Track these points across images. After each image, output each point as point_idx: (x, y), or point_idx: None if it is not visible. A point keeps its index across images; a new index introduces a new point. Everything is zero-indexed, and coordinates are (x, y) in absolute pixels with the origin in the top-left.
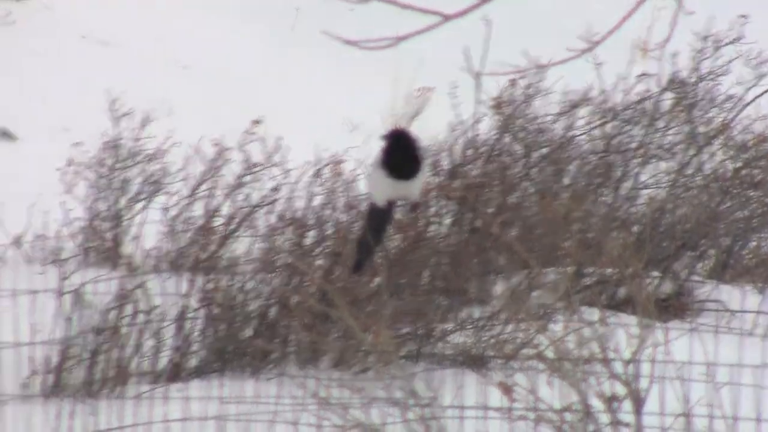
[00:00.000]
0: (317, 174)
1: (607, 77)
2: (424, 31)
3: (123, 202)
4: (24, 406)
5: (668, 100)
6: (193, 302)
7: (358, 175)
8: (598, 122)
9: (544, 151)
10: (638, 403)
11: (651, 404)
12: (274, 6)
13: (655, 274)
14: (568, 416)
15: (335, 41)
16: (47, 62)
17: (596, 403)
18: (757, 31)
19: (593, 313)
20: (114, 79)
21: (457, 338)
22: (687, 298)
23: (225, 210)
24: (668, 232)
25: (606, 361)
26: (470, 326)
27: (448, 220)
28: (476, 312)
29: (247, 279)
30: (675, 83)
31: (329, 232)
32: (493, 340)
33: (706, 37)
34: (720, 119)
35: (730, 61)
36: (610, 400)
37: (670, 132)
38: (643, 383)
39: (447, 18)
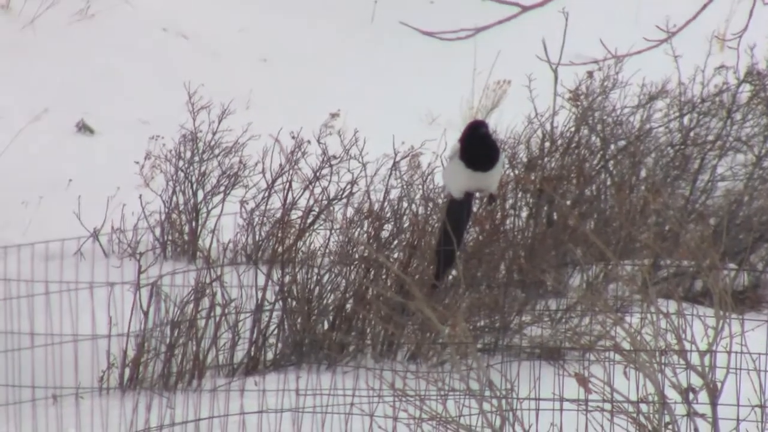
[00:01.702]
0: (395, 166)
1: (684, 69)
2: (502, 21)
3: (201, 195)
4: (101, 399)
5: (746, 92)
6: (270, 295)
7: (436, 167)
8: (676, 114)
9: (622, 143)
10: (714, 394)
11: (727, 396)
12: None
13: (732, 266)
14: (644, 407)
15: (414, 32)
16: (126, 55)
17: (672, 395)
18: None
19: (670, 305)
20: (193, 72)
21: (534, 330)
22: (764, 290)
23: (302, 203)
24: (745, 224)
25: (682, 353)
26: (547, 318)
27: (525, 213)
28: (553, 304)
29: (324, 272)
30: (753, 75)
31: (406, 224)
32: (569, 333)
33: None
34: None
35: None
36: (686, 392)
37: (748, 124)
38: (720, 375)
39: (525, 9)
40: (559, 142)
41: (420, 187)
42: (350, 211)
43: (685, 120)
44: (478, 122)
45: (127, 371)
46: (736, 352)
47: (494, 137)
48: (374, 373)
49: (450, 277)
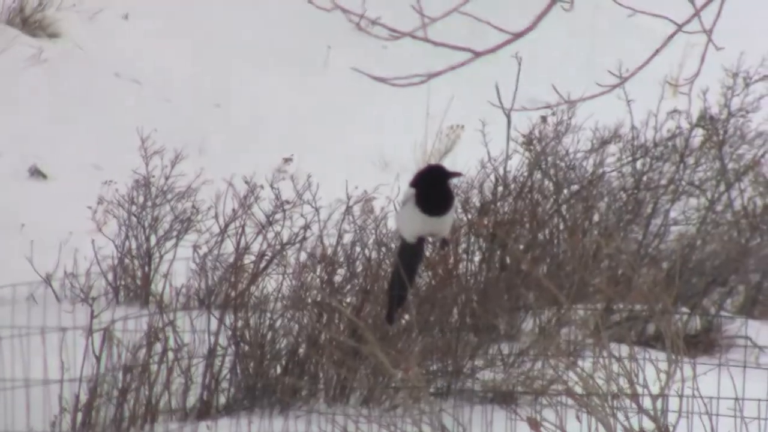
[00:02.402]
0: (348, 211)
1: (637, 114)
2: (454, 67)
3: (153, 240)
4: None
5: (698, 136)
6: (223, 340)
7: (389, 212)
8: (629, 159)
9: (575, 187)
10: None
11: None
12: (305, 44)
13: (685, 310)
14: None
15: (366, 78)
16: (79, 100)
17: None
18: None
19: (622, 349)
20: (145, 117)
21: (487, 374)
22: (716, 334)
23: (255, 248)
24: (698, 268)
25: (634, 397)
26: (499, 362)
27: (478, 257)
28: (505, 348)
29: (277, 316)
30: (705, 120)
31: (359, 269)
32: (522, 377)
33: (736, 74)
34: (750, 155)
35: (760, 98)
36: None
37: (700, 168)
38: (672, 418)
39: (477, 54)
40: (513, 186)
41: (373, 231)
42: (303, 256)
43: (638, 164)
44: (434, 167)
45: (80, 416)
46: (688, 396)
47: (449, 181)
48: (327, 418)
49: (402, 320)
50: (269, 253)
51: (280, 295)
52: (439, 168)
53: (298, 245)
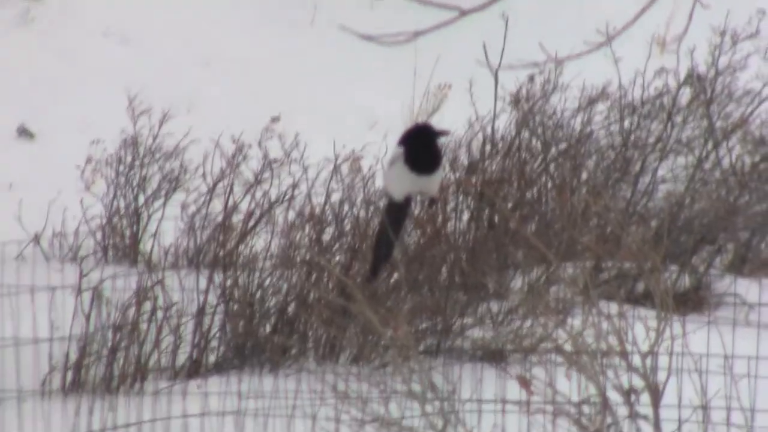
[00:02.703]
0: (336, 170)
1: (625, 72)
2: (441, 26)
3: (142, 199)
4: (43, 402)
5: (686, 95)
6: (212, 299)
7: (377, 170)
8: (616, 117)
9: (563, 146)
10: (656, 395)
11: (669, 397)
12: (293, 2)
13: (674, 268)
14: (586, 409)
15: (354, 36)
16: (66, 60)
17: (614, 396)
18: None
19: (612, 307)
20: (133, 75)
21: (476, 333)
22: (705, 292)
23: (244, 206)
24: (686, 227)
25: (624, 354)
26: (489, 321)
27: (466, 216)
28: (495, 307)
29: (265, 275)
30: (693, 78)
31: (348, 228)
32: (511, 335)
33: (724, 32)
34: (738, 114)
35: (747, 56)
36: (628, 393)
37: (688, 127)
38: (661, 376)
39: (464, 13)
40: (500, 145)
41: (361, 190)
42: (292, 215)
43: (626, 123)
44: (422, 125)
45: (69, 375)
46: (678, 354)
47: (437, 139)
48: (316, 376)
49: (386, 274)
50: (257, 212)
51: (268, 254)
52: (427, 127)
53: (286, 204)
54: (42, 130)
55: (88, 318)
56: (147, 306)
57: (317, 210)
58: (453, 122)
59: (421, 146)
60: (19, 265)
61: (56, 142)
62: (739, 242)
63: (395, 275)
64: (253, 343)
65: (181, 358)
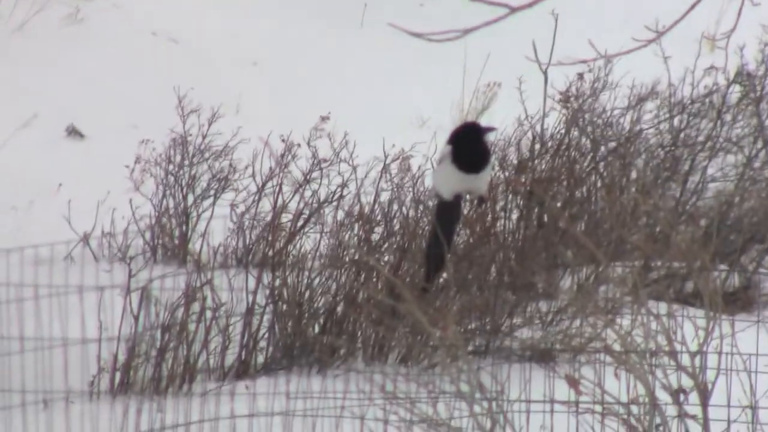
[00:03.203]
0: (385, 169)
1: (674, 70)
2: (490, 23)
3: (191, 198)
4: (91, 403)
5: (736, 93)
6: (261, 299)
7: (426, 170)
8: (666, 116)
9: (612, 145)
10: (705, 395)
11: (718, 396)
12: (341, 1)
13: (723, 267)
14: (634, 409)
15: (403, 35)
16: (116, 60)
17: (663, 396)
18: None
19: (661, 307)
20: (182, 76)
21: (525, 333)
22: (754, 291)
23: (293, 206)
24: (736, 226)
25: (673, 354)
26: (538, 321)
27: (515, 215)
28: (544, 306)
29: (314, 275)
30: (742, 76)
31: (397, 227)
32: (560, 335)
33: None
34: None
35: None
36: (677, 393)
37: (738, 125)
38: (710, 376)
39: (513, 10)
40: (550, 144)
41: (410, 189)
42: (341, 214)
43: (675, 121)
44: (470, 124)
45: (118, 376)
46: (727, 353)
47: (485, 138)
48: (365, 376)
49: (440, 279)
50: (306, 212)
51: (317, 254)
52: (475, 125)
53: (335, 204)
54: (91, 130)
55: (136, 318)
56: (196, 306)
57: (366, 209)
58: (502, 120)
59: (468, 145)
60: (68, 265)
61: (105, 142)
62: None
63: (444, 275)
64: (302, 343)
65: (230, 358)
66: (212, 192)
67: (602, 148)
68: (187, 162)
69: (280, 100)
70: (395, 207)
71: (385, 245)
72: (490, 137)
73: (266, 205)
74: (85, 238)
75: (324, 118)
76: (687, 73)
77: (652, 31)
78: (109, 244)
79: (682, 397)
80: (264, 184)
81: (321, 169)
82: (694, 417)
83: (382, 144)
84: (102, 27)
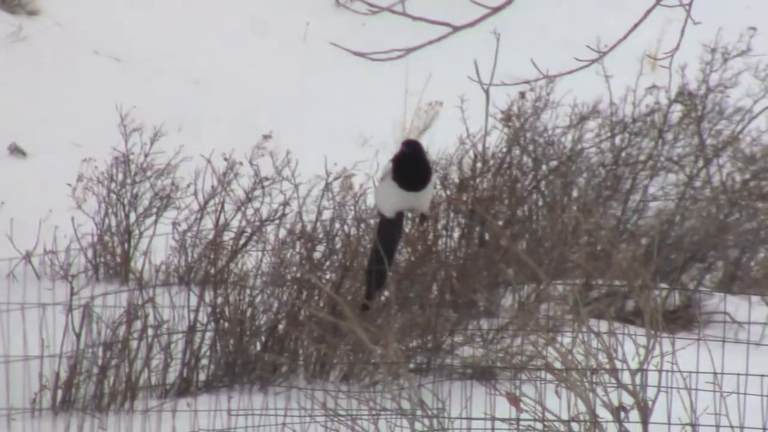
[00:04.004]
0: (327, 188)
1: (616, 89)
2: (433, 41)
3: (133, 217)
4: (33, 420)
5: (677, 112)
6: (203, 316)
7: (368, 188)
8: (607, 135)
9: (553, 163)
10: (645, 413)
11: (658, 414)
12: (284, 20)
13: (664, 285)
14: (575, 426)
15: (346, 54)
16: (59, 78)
17: (604, 413)
18: (766, 43)
19: (602, 325)
20: (125, 94)
21: (466, 350)
22: (695, 310)
23: (235, 224)
24: (677, 244)
25: (613, 372)
26: (479, 338)
27: (457, 233)
28: (485, 324)
29: (256, 293)
30: (684, 95)
31: (339, 245)
32: (501, 352)
33: (715, 49)
34: (728, 131)
35: (738, 73)
36: (618, 410)
37: (679, 144)
38: (651, 393)
39: (456, 29)
40: (491, 162)
41: (352, 207)
42: (283, 233)
43: (617, 140)
44: (411, 141)
45: (60, 393)
46: (667, 371)
47: (426, 157)
48: (306, 394)
49: (382, 297)
50: (248, 230)
51: (259, 272)
52: (416, 143)
53: (277, 222)
54: (34, 148)
55: (78, 336)
56: (137, 324)
57: (308, 228)
58: (444, 139)
59: (409, 163)
60: (10, 283)
61: (48, 160)
62: (728, 260)
63: (386, 293)
64: (244, 360)
65: (172, 376)
66: (154, 210)
67: (544, 167)
68: (129, 180)
69: (223, 118)
70: (337, 225)
71: (327, 263)
72: (432, 156)
73: (208, 223)
74: (27, 256)
75: (266, 137)
76: (629, 92)
77: (594, 50)
78: (51, 262)
79: (622, 414)
80: (206, 203)
81: (263, 187)
82: None
83: (324, 162)
84: (45, 45)
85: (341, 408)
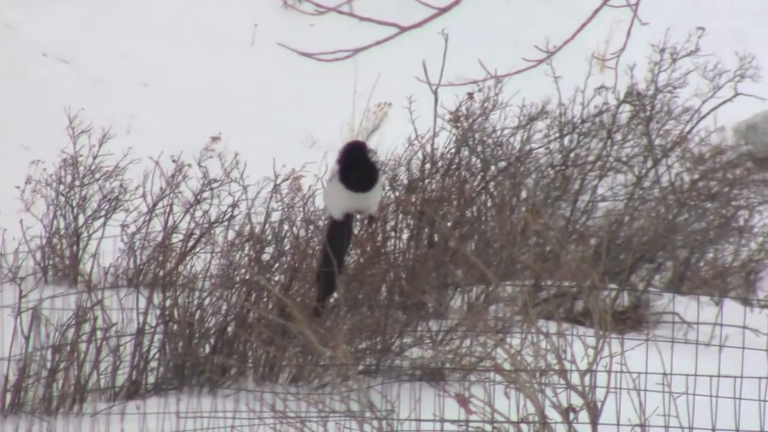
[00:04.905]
0: (275, 189)
1: (564, 90)
2: (380, 42)
3: (82, 219)
4: None
5: (626, 112)
6: (152, 319)
7: (317, 190)
8: (556, 135)
9: (502, 164)
10: (594, 413)
11: (607, 415)
12: (232, 21)
13: (613, 286)
14: (524, 428)
15: (294, 55)
16: (7, 80)
17: (553, 415)
18: (714, 43)
19: (551, 326)
20: (73, 96)
21: (415, 352)
22: (644, 310)
23: (183, 226)
24: (626, 245)
25: (562, 373)
26: (428, 340)
27: (406, 235)
28: (434, 326)
29: (205, 295)
30: (632, 96)
31: (287, 247)
32: (450, 354)
33: (663, 50)
34: (677, 131)
35: (687, 73)
36: (567, 411)
37: (628, 144)
38: (600, 394)
39: (403, 29)
40: (440, 163)
41: (301, 209)
42: (231, 234)
43: (566, 141)
44: (356, 143)
45: (9, 396)
46: (616, 372)
47: (373, 158)
48: (255, 396)
49: (331, 299)
50: (197, 232)
51: (208, 274)
52: (362, 144)
53: (226, 224)
54: None
55: (27, 339)
56: (86, 327)
57: (257, 230)
58: (393, 140)
59: (356, 164)
60: None
61: None
62: (677, 260)
63: (335, 295)
64: (193, 363)
65: (121, 378)
66: (103, 212)
67: (492, 168)
68: (77, 182)
69: (171, 120)
70: (286, 227)
71: (276, 265)
72: (380, 157)
73: (157, 225)
74: None
75: (215, 139)
76: (577, 93)
77: (543, 51)
78: None
79: (571, 415)
80: (155, 205)
81: (212, 189)
82: None
83: (273, 164)
84: None
85: (290, 410)
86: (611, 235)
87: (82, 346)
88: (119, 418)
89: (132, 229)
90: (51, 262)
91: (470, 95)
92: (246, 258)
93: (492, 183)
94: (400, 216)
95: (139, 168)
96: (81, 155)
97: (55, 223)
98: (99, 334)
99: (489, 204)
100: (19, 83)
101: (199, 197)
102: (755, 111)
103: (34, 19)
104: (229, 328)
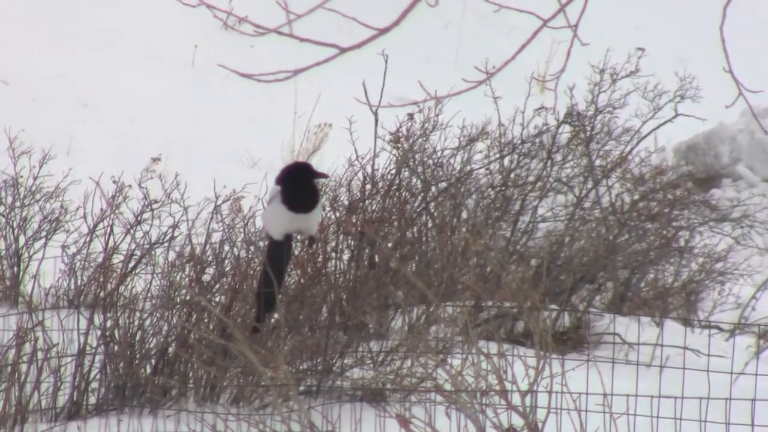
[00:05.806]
0: (216, 210)
1: (504, 111)
2: (320, 63)
3: (22, 240)
4: None
5: (566, 133)
6: (93, 340)
7: (257, 210)
8: (496, 156)
9: (443, 185)
10: None
11: None
12: (173, 42)
13: (553, 306)
14: None
15: (234, 76)
16: None
17: None
18: (654, 64)
19: (491, 346)
20: (12, 117)
21: (356, 373)
22: (585, 331)
23: (124, 247)
24: (566, 265)
25: (503, 393)
26: (369, 361)
27: (346, 255)
28: (375, 346)
29: (146, 316)
30: (572, 116)
31: (228, 268)
32: (391, 374)
33: (603, 70)
34: (617, 152)
35: (627, 94)
36: None
37: (568, 165)
38: (541, 414)
39: (343, 50)
40: (380, 184)
41: (241, 230)
42: (172, 255)
43: (506, 161)
44: (300, 164)
45: None
46: (557, 392)
47: (313, 177)
48: (196, 417)
49: (272, 319)
50: (138, 253)
51: (149, 295)
52: (303, 165)
53: (166, 245)
54: None
55: None
56: (27, 347)
57: (198, 250)
58: (334, 161)
59: (297, 185)
60: None
61: None
62: (618, 281)
63: (275, 315)
64: (134, 384)
65: (62, 399)
66: (44, 233)
67: (433, 189)
68: (18, 203)
69: (111, 141)
70: (226, 248)
71: (217, 286)
72: (322, 180)
73: (98, 246)
74: None
75: (155, 159)
76: (517, 114)
77: (482, 71)
78: None
79: None
80: (95, 225)
81: (152, 210)
82: None
83: (214, 185)
84: None
85: (231, 431)
86: (552, 256)
87: (23, 367)
88: None
89: (73, 250)
90: None
91: (410, 116)
92: (187, 279)
93: (432, 204)
94: (341, 237)
95: (80, 189)
96: (21, 176)
97: None
98: (40, 354)
99: (430, 225)
100: None
101: (139, 218)
102: (695, 132)
103: None
104: (170, 349)
